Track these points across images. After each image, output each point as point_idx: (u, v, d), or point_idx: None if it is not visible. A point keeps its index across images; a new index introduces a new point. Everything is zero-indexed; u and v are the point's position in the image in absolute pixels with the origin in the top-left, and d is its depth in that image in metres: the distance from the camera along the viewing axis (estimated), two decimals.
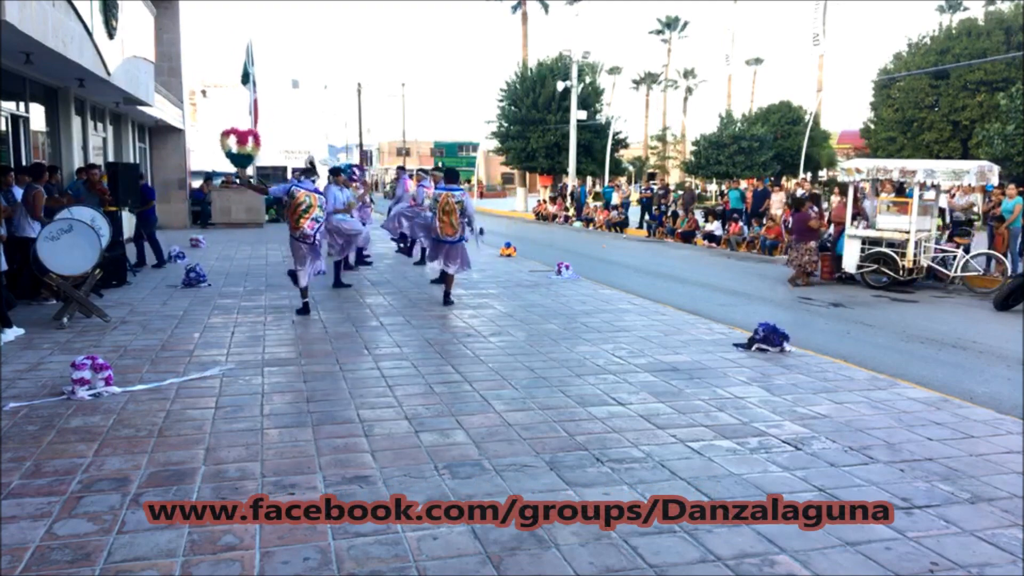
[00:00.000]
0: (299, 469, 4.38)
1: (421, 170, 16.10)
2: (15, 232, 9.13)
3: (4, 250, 8.26)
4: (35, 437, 4.84)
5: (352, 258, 12.50)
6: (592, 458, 4.62)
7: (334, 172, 11.38)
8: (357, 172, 13.76)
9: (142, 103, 15.90)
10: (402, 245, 13.90)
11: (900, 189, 13.54)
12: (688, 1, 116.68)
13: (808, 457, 4.70)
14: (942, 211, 14.39)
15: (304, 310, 9.19)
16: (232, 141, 9.57)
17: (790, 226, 14.00)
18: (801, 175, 35.08)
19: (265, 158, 33.37)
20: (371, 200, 14.93)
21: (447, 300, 9.97)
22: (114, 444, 4.75)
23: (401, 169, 15.95)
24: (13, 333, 7.61)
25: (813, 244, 13.12)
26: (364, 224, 12.17)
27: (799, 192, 16.84)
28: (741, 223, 20.02)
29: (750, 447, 4.85)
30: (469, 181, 61.09)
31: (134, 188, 12.53)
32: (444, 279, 10.23)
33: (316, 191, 8.98)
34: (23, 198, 9.37)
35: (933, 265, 12.83)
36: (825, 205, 16.54)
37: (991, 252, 13.68)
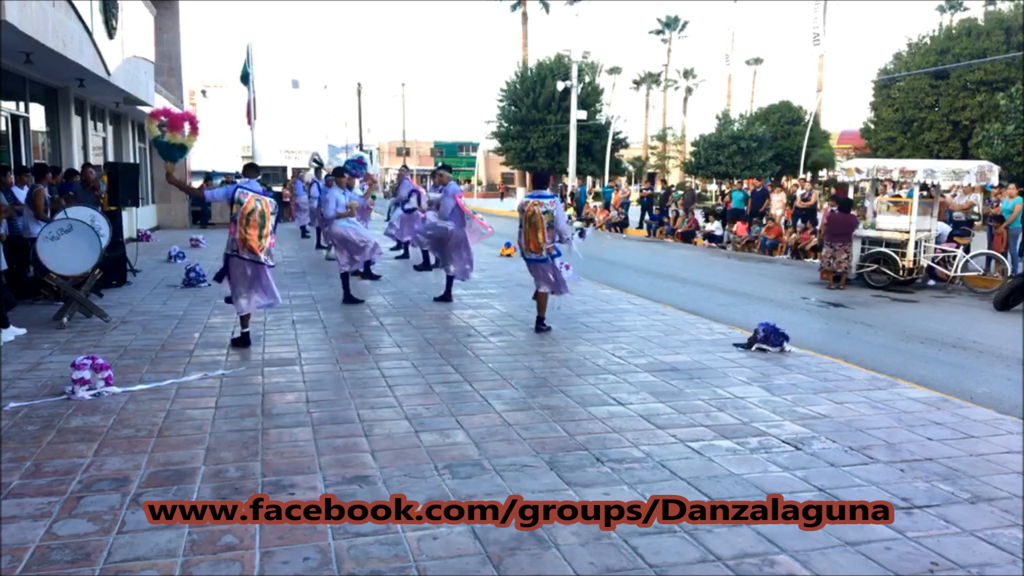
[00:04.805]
0: (299, 469, 4.38)
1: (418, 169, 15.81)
2: (21, 233, 9.13)
3: (4, 250, 8.26)
4: (35, 437, 4.84)
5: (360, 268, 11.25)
6: (592, 458, 4.62)
7: (337, 173, 11.14)
8: (362, 165, 13.14)
9: (142, 103, 15.91)
10: (422, 262, 12.99)
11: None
12: (688, 1, 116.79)
13: (808, 457, 4.70)
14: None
15: (242, 341, 7.44)
16: (156, 126, 7.30)
17: (818, 226, 13.66)
18: (801, 175, 35.08)
19: (266, 158, 33.39)
20: (372, 198, 14.81)
21: (540, 326, 8.37)
22: (114, 444, 4.75)
23: (404, 168, 15.96)
24: (13, 333, 7.61)
25: (849, 246, 12.80)
26: (365, 224, 11.94)
27: (819, 192, 16.51)
28: (749, 225, 19.77)
29: (750, 447, 4.85)
30: (469, 181, 61.13)
31: (134, 188, 12.52)
32: (537, 298, 8.49)
33: (266, 194, 7.31)
34: (27, 198, 9.37)
35: (933, 265, 12.83)
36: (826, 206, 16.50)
37: (991, 252, 13.68)
